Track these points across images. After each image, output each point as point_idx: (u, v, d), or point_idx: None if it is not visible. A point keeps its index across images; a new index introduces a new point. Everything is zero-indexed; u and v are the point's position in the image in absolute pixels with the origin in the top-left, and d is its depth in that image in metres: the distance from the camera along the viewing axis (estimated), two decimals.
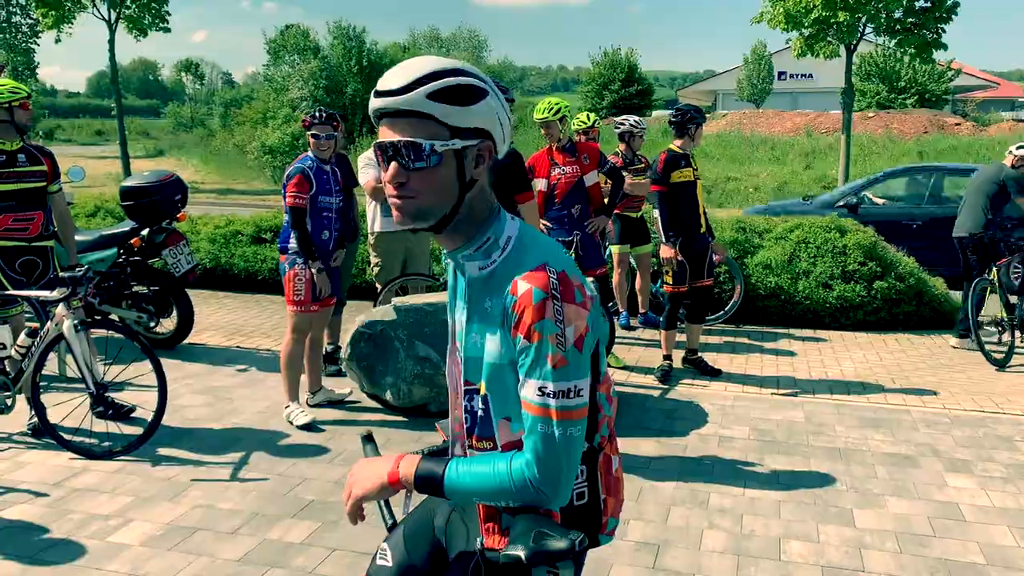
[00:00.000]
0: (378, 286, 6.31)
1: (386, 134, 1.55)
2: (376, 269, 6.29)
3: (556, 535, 1.51)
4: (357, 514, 1.72)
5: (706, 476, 4.55)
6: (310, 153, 5.20)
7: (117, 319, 6.83)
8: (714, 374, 6.35)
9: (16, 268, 5.02)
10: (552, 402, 1.52)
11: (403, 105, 1.51)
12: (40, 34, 38.14)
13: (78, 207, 10.26)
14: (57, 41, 24.99)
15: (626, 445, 4.96)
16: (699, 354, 6.48)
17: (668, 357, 6.35)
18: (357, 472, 1.70)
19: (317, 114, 5.21)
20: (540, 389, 1.53)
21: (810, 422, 5.42)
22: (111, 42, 24.39)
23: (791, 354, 7.09)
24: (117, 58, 24.86)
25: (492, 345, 1.59)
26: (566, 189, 6.25)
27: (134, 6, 24.06)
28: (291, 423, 5.22)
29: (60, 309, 4.58)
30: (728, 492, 4.36)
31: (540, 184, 6.31)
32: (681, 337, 6.61)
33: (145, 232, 6.54)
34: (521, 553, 1.49)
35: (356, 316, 5.72)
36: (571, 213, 6.28)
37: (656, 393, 5.97)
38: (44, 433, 4.79)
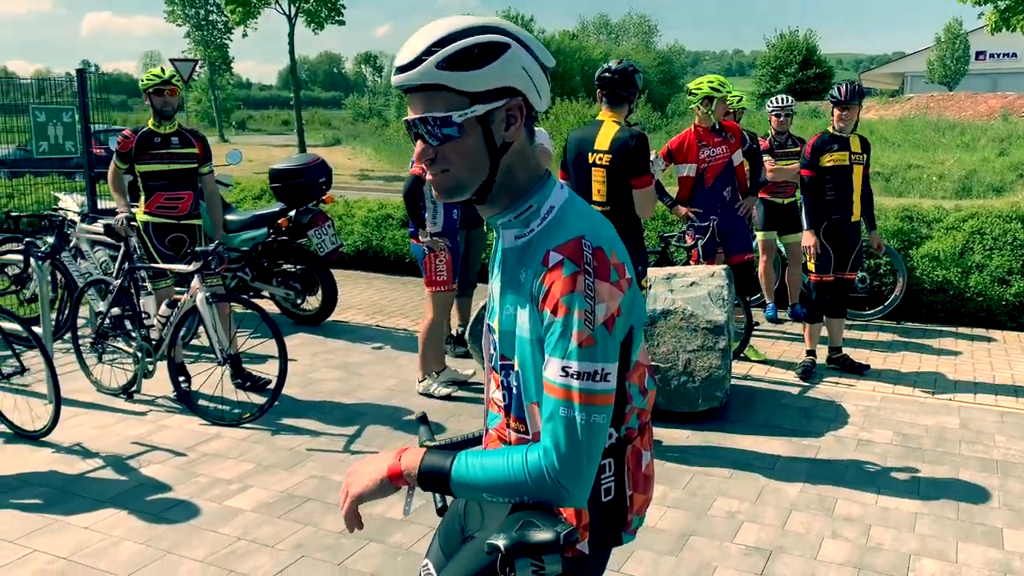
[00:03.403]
0: None
1: (410, 111, 1.48)
2: None
3: (543, 525, 1.38)
4: (354, 518, 1.56)
5: (836, 480, 4.20)
6: None
7: (268, 295, 7.19)
8: (860, 371, 5.87)
9: (166, 243, 5.35)
10: (575, 383, 1.39)
11: (415, 80, 1.42)
12: (232, 30, 40.97)
13: (245, 189, 10.91)
14: (244, 36, 26.74)
15: (753, 443, 4.67)
16: (843, 351, 6.01)
17: (812, 352, 5.94)
18: (356, 469, 1.57)
19: None
20: (564, 369, 1.39)
21: (966, 429, 4.89)
22: (291, 36, 25.82)
23: (954, 354, 6.45)
24: (306, 53, 26.39)
25: (523, 319, 1.47)
26: (717, 171, 5.97)
27: (312, 0, 25.33)
28: (431, 395, 5.31)
29: (194, 282, 4.84)
30: (859, 499, 4.00)
31: (686, 169, 6.05)
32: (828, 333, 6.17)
33: (292, 213, 6.81)
34: (501, 543, 1.36)
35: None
36: (723, 196, 6.00)
37: (795, 390, 5.59)
38: (187, 397, 5.09)
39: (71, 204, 7.75)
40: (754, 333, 6.87)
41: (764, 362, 6.20)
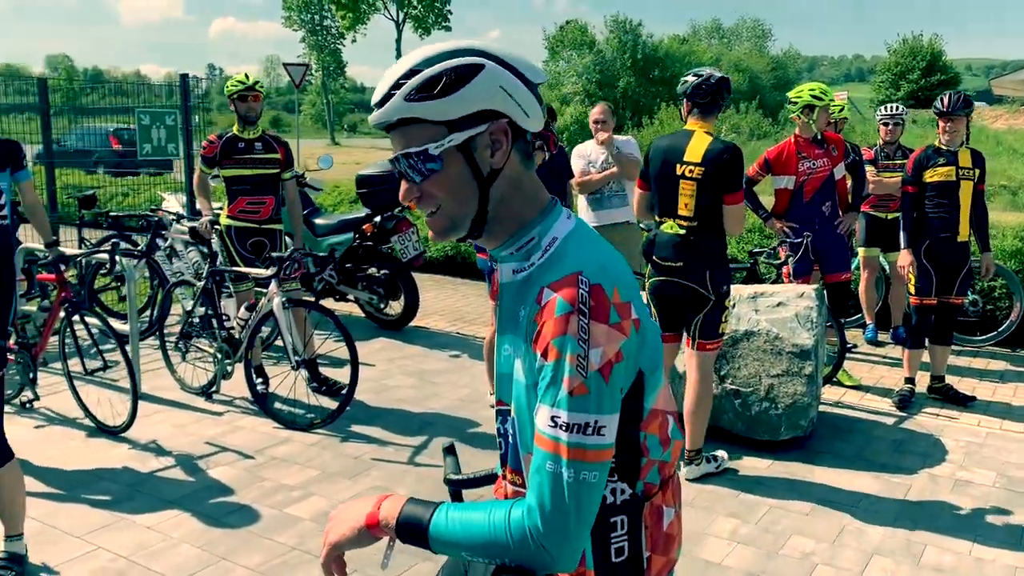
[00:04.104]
0: None
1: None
2: None
3: None
4: (333, 567, 1.44)
5: (927, 524, 3.87)
6: None
7: (352, 298, 7.25)
8: (965, 403, 5.44)
9: (247, 247, 5.43)
10: (563, 436, 1.25)
11: (387, 117, 1.33)
12: (344, 35, 42.17)
13: (343, 193, 11.09)
14: (353, 41, 27.41)
15: (838, 477, 4.37)
16: (947, 381, 5.58)
17: (911, 380, 5.54)
18: (337, 514, 1.45)
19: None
20: (553, 419, 1.26)
21: None
22: (398, 41, 26.35)
23: None
24: None
25: (519, 361, 1.34)
26: (816, 185, 5.65)
27: (420, 6, 25.75)
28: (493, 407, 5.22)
29: (271, 287, 4.88)
30: (951, 547, 3.66)
31: (784, 181, 5.75)
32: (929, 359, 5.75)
33: (378, 219, 6.85)
34: None
35: None
36: (822, 211, 5.67)
37: (890, 421, 5.22)
38: (263, 400, 5.14)
39: (175, 204, 8.03)
40: (852, 356, 6.50)
41: (858, 388, 5.83)
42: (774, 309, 4.81)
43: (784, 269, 5.81)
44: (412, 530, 1.34)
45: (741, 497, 4.14)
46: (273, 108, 65.52)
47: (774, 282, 5.99)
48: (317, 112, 56.09)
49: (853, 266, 7.39)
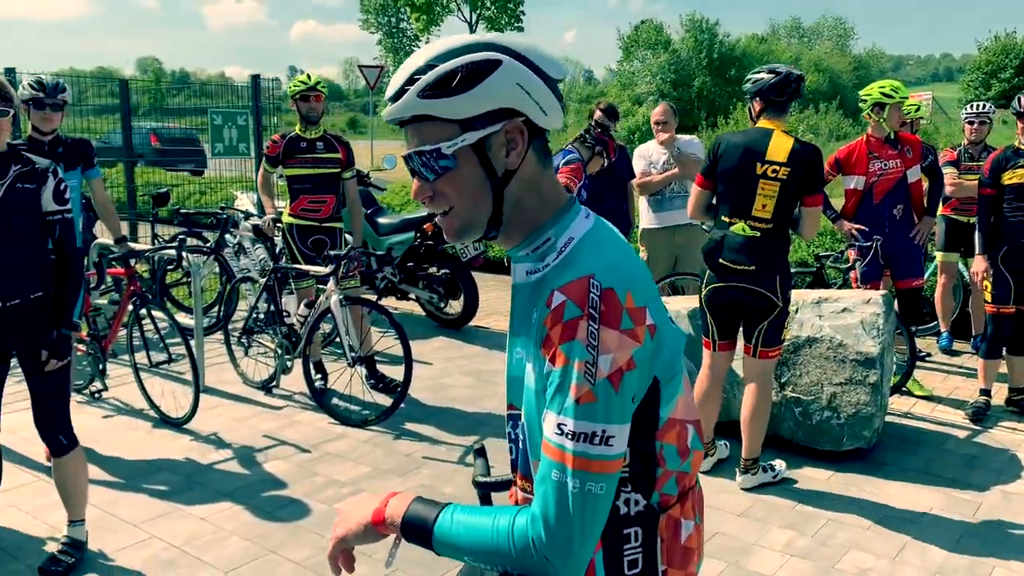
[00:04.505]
0: None
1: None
2: None
3: None
4: (336, 560, 1.42)
5: (996, 545, 3.68)
6: (573, 148, 5.16)
7: (413, 297, 7.31)
8: None
9: (308, 245, 5.51)
10: (569, 445, 1.21)
11: (400, 113, 1.30)
12: (420, 38, 42.62)
13: (409, 192, 11.20)
14: (426, 43, 27.71)
15: (902, 491, 4.19)
16: None
17: (986, 392, 5.28)
18: (346, 509, 1.44)
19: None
20: (559, 426, 1.22)
21: None
22: None
23: None
24: None
25: (530, 365, 1.31)
26: (888, 187, 5.45)
27: (493, 7, 25.86)
28: None
29: (329, 284, 4.94)
30: (1021, 571, 3.47)
31: (853, 181, 5.56)
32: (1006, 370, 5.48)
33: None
34: None
35: None
36: (892, 214, 5.47)
37: (961, 434, 4.99)
38: (320, 395, 5.21)
39: (246, 203, 8.23)
40: (924, 365, 6.26)
41: (929, 398, 5.59)
42: (838, 315, 4.65)
43: (852, 273, 5.62)
44: (416, 530, 1.32)
45: (798, 508, 4.01)
46: (351, 110, 66.68)
47: (841, 287, 5.80)
48: None
49: (929, 271, 7.12)
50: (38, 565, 3.34)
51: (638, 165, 6.05)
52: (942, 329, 6.76)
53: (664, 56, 38.39)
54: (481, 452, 1.78)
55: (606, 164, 5.26)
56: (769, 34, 58.78)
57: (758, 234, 3.96)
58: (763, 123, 4.05)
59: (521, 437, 1.38)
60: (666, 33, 40.66)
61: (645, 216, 5.97)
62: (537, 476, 1.25)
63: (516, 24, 25.99)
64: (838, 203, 5.77)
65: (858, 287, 5.48)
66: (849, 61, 51.05)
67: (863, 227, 5.46)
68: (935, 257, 6.77)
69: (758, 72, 4.09)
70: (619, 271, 1.26)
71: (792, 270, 6.72)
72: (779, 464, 4.33)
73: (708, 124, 31.35)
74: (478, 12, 25.67)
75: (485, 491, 1.71)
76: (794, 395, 4.58)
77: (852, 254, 5.61)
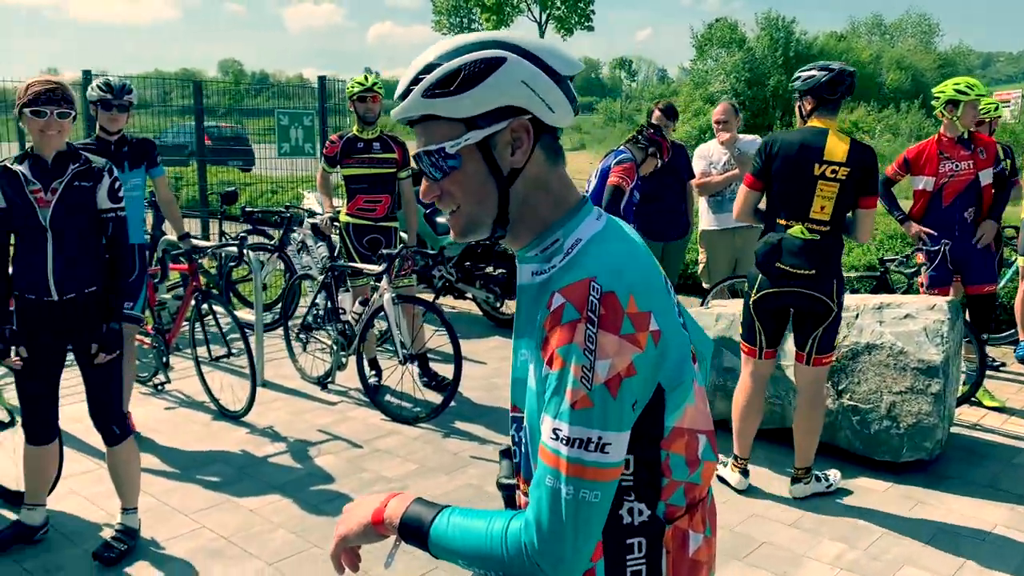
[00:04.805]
0: (705, 285, 5.93)
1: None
2: (701, 267, 5.92)
3: None
4: (338, 558, 1.41)
5: None
6: (626, 148, 5.12)
7: (470, 296, 7.34)
8: None
9: (364, 244, 5.58)
10: (564, 450, 1.19)
11: (406, 113, 1.30)
12: None
13: None
14: None
15: (965, 506, 4.02)
16: None
17: None
18: (350, 507, 1.43)
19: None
20: (554, 431, 1.20)
21: None
22: None
23: None
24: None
25: (533, 367, 1.29)
26: (958, 188, 5.24)
27: (563, 7, 25.79)
28: None
29: (383, 283, 5.00)
30: None
31: (922, 182, 5.37)
32: None
33: None
34: None
35: None
36: (963, 217, 5.26)
37: None
38: (373, 392, 5.28)
39: (314, 202, 8.38)
40: (1000, 375, 6.01)
41: (1001, 410, 5.36)
42: (900, 321, 4.49)
43: (919, 278, 5.42)
44: (413, 532, 1.32)
45: (851, 520, 3.88)
46: None
47: (906, 292, 5.60)
48: None
49: (1007, 277, 6.83)
50: (92, 550, 3.46)
51: (698, 165, 5.95)
52: (1021, 338, 6.47)
53: (738, 55, 37.70)
54: (507, 453, 1.77)
55: (660, 165, 5.18)
56: (849, 32, 57.17)
57: (817, 237, 3.84)
58: (815, 122, 3.92)
59: (524, 440, 1.36)
60: (741, 31, 39.92)
61: (705, 217, 5.87)
62: (533, 481, 1.24)
63: (586, 24, 25.87)
64: (907, 204, 5.58)
65: (925, 292, 5.29)
66: (934, 58, 49.26)
67: (931, 232, 5.26)
68: (1015, 262, 6.48)
69: (808, 70, 3.97)
70: (623, 274, 1.23)
71: (855, 274, 6.54)
72: (833, 474, 4.21)
73: (783, 124, 30.69)
74: (548, 12, 25.65)
75: (509, 493, 1.70)
76: (852, 403, 4.44)
77: (920, 258, 5.41)
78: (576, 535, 1.19)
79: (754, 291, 4.00)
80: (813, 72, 3.93)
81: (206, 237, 8.98)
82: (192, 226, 9.63)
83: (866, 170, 3.81)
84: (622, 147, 5.19)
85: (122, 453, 3.50)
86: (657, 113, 5.98)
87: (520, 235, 1.34)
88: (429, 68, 1.27)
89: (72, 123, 3.26)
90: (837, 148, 3.82)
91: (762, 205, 4.10)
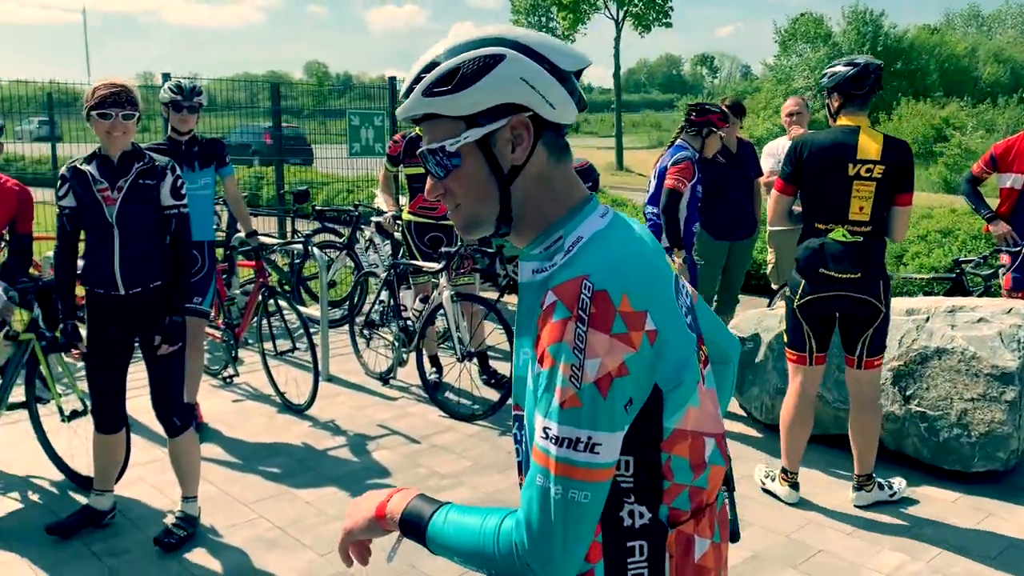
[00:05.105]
0: (773, 285, 5.80)
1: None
2: (770, 267, 5.79)
3: None
4: (345, 551, 1.42)
5: None
6: (682, 142, 5.04)
7: None
8: None
9: (425, 242, 5.65)
10: (553, 449, 1.18)
11: (408, 112, 1.31)
12: (568, 37, 42.65)
13: None
14: (572, 40, 27.72)
15: None
16: None
17: None
18: (357, 501, 1.45)
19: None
20: (544, 430, 1.19)
21: None
22: (616, 40, 26.27)
23: None
24: (648, 57, 26.88)
25: (531, 366, 1.29)
26: None
27: (640, 3, 25.54)
28: None
29: (442, 280, 5.05)
30: None
31: (1009, 180, 5.15)
32: None
33: None
34: None
35: (746, 311, 5.31)
36: None
37: None
38: (433, 388, 5.33)
39: (380, 201, 8.51)
40: None
41: None
42: (974, 325, 4.30)
43: (1002, 280, 5.19)
44: (413, 527, 1.32)
45: (915, 531, 3.74)
46: None
47: (982, 295, 5.37)
48: None
49: None
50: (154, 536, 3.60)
51: (766, 163, 5.82)
52: None
53: (823, 50, 36.78)
54: None
55: (723, 136, 5.10)
56: (943, 24, 55.06)
57: (860, 239, 3.72)
58: (843, 120, 3.80)
59: (525, 439, 1.36)
60: (826, 26, 38.92)
61: None
62: (525, 480, 1.23)
63: (664, 20, 25.53)
64: (994, 203, 5.35)
65: (1008, 295, 5.06)
66: None
67: (1014, 235, 5.03)
68: None
69: (834, 65, 3.86)
70: (619, 272, 1.21)
71: (928, 276, 6.29)
72: (898, 482, 4.06)
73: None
74: (625, 8, 25.42)
75: None
76: (920, 410, 4.27)
77: (1004, 259, 5.18)
78: (566, 535, 1.17)
79: (797, 297, 3.86)
80: (839, 68, 3.82)
81: (282, 235, 9.22)
82: (270, 224, 9.94)
83: (901, 167, 3.69)
84: (679, 141, 5.12)
85: (182, 444, 3.62)
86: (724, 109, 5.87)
87: (524, 232, 1.34)
88: (429, 67, 1.27)
89: (136, 124, 3.39)
90: (870, 146, 3.71)
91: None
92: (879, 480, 4.01)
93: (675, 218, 4.87)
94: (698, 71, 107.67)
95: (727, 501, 1.46)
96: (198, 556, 3.53)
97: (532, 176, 1.30)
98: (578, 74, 1.32)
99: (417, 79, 1.29)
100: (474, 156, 1.28)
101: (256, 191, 14.49)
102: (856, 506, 3.95)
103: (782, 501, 4.03)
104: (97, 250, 3.40)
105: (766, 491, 4.10)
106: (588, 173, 6.87)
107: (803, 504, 4.00)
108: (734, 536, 1.59)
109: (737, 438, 4.84)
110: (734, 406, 5.21)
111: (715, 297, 6.15)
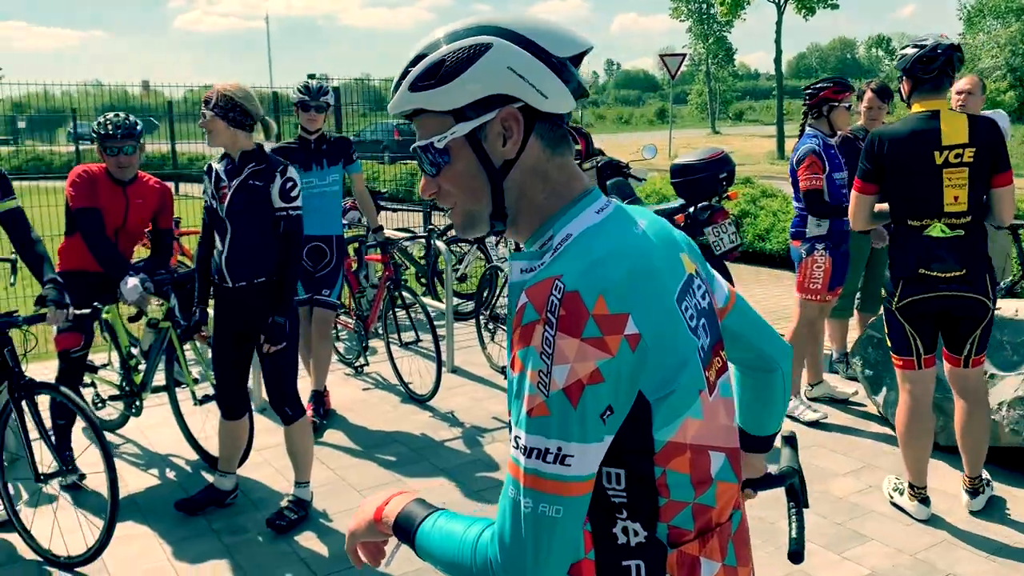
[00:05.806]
0: None
1: None
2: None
3: None
4: (353, 552, 1.41)
5: None
6: (810, 129, 4.77)
7: None
8: None
9: None
10: (522, 460, 1.11)
11: (396, 108, 1.27)
12: (730, 23, 41.25)
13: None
14: (731, 26, 26.80)
15: None
16: None
17: None
18: (362, 503, 1.43)
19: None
20: (515, 439, 1.13)
21: None
22: (778, 24, 25.16)
23: None
24: (822, 43, 25.67)
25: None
26: None
27: None
28: (795, 419, 4.84)
29: None
30: None
31: None
32: None
33: (691, 209, 6.66)
34: None
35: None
36: None
37: None
38: None
39: None
40: None
41: None
42: None
43: None
44: (404, 532, 1.29)
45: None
46: (663, 99, 66.60)
47: None
48: (702, 101, 55.76)
49: None
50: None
51: None
52: None
53: (1015, 26, 33.72)
54: (790, 440, 1.67)
55: (851, 106, 4.79)
56: None
57: (961, 232, 3.39)
58: (917, 106, 3.47)
59: None
60: (1019, 0, 35.64)
61: None
62: (502, 491, 1.18)
63: (830, 2, 24.21)
64: None
65: None
66: None
67: None
68: None
69: (905, 47, 3.50)
70: (597, 272, 1.12)
71: None
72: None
73: None
74: None
75: (782, 484, 1.60)
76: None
77: None
78: (537, 552, 1.11)
79: (895, 299, 3.55)
80: (908, 50, 3.50)
81: (427, 230, 9.44)
82: (414, 219, 10.23)
83: (994, 146, 3.36)
84: (807, 130, 4.86)
85: (295, 432, 3.78)
86: (869, 95, 5.50)
87: (521, 229, 1.28)
88: (415, 61, 1.23)
89: (248, 133, 3.57)
90: (955, 129, 3.37)
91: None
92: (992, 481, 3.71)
93: (827, 215, 4.63)
94: (873, 53, 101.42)
95: (743, 521, 1.35)
96: (307, 539, 3.67)
97: (526, 170, 1.23)
98: (577, 60, 1.24)
99: (404, 73, 1.24)
100: (464, 152, 1.23)
101: (410, 187, 14.97)
102: (972, 512, 3.65)
103: (912, 517, 3.73)
104: (217, 243, 3.63)
105: (895, 505, 3.81)
106: (723, 163, 6.64)
107: (934, 521, 3.68)
108: (796, 556, 1.48)
109: (868, 443, 4.52)
110: (871, 407, 4.88)
111: (857, 294, 5.79)
